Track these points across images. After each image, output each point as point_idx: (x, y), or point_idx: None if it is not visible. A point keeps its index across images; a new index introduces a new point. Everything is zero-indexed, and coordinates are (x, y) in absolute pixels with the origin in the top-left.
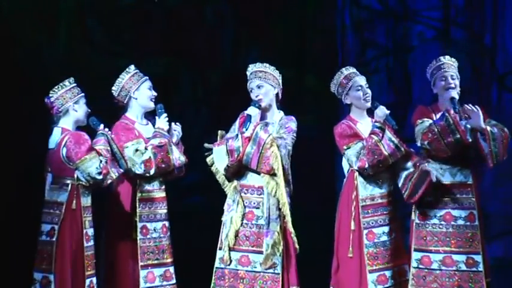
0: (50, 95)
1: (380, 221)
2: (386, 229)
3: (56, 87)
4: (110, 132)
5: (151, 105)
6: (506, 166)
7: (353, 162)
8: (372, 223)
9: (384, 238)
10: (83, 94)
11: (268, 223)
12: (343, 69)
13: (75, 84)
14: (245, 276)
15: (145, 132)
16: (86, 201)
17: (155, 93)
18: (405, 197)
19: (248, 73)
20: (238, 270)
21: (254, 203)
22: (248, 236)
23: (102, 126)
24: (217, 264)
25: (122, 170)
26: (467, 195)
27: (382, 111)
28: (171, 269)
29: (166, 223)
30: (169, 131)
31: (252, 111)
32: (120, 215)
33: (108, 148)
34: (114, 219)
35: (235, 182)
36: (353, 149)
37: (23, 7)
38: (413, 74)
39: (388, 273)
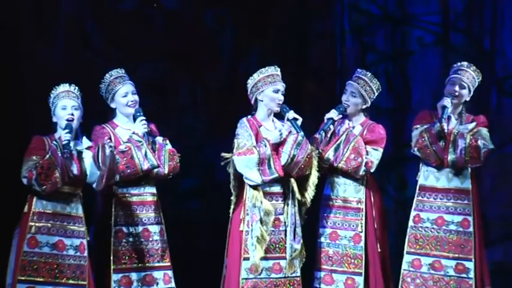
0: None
1: (324, 223)
2: (323, 231)
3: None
4: (63, 141)
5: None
6: (506, 170)
7: None
8: (322, 222)
9: (321, 240)
10: (63, 97)
11: (295, 228)
12: (359, 70)
13: (63, 89)
14: (279, 283)
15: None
16: (44, 206)
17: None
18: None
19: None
20: (271, 278)
21: (279, 210)
22: (277, 242)
23: (62, 133)
24: (244, 275)
25: (59, 182)
26: (462, 201)
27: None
28: (170, 272)
29: (151, 227)
30: (151, 134)
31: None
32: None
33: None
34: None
35: (260, 190)
36: None
37: (21, 11)
38: (412, 78)
39: (318, 275)
